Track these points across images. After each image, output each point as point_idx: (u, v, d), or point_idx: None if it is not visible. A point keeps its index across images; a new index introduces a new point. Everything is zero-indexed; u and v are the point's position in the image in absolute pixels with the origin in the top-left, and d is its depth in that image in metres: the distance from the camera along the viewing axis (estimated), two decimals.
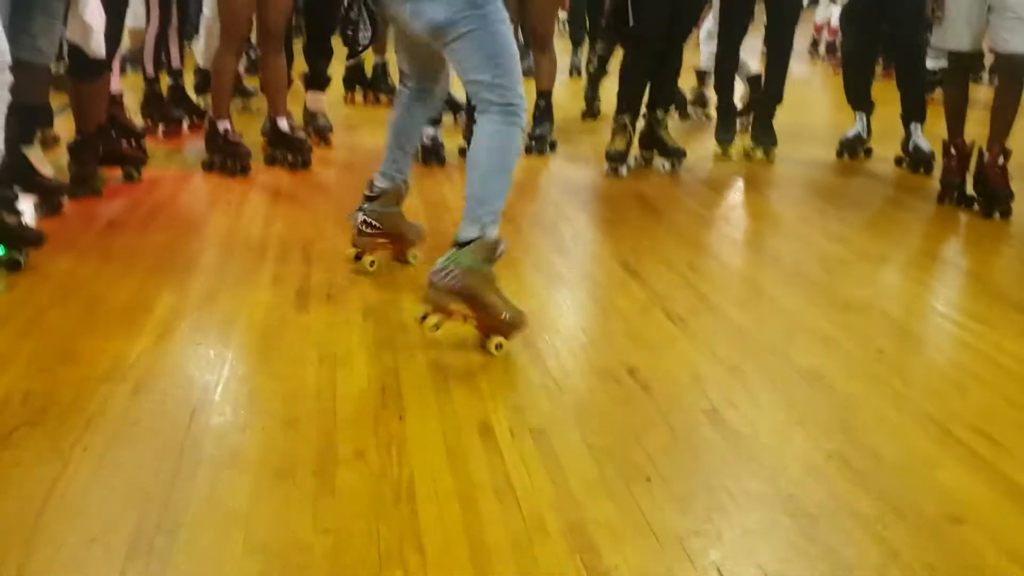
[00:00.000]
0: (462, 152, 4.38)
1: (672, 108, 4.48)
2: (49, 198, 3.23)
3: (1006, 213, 3.82)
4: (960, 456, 1.95)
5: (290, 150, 4.10)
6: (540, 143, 4.66)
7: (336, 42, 4.86)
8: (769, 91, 4.72)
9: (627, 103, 4.26)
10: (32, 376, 2.12)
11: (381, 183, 2.79)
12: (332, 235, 3.22)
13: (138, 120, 4.51)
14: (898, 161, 4.62)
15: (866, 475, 1.84)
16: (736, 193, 4.26)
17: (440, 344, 2.35)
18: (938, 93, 4.89)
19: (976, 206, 3.91)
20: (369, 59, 5.79)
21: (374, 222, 2.76)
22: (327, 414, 2.01)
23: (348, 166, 4.27)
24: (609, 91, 5.23)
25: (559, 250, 3.20)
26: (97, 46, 3.09)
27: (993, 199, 3.84)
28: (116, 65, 4.16)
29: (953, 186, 4.02)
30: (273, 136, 4.15)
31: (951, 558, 1.59)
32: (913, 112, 4.53)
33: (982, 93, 4.64)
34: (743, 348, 2.45)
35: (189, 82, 5.04)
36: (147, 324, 2.43)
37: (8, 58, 2.56)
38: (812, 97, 7.17)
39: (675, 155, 4.33)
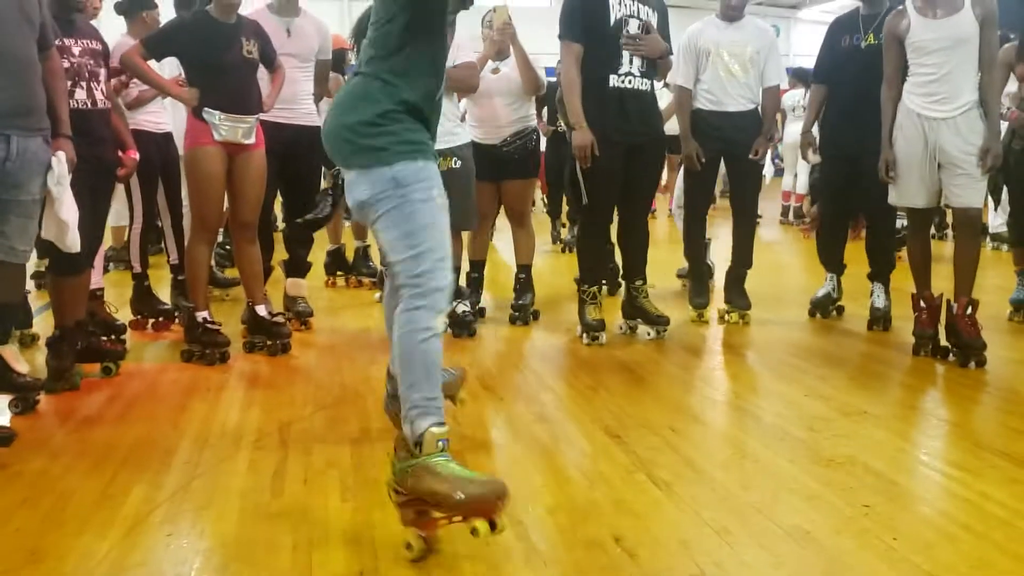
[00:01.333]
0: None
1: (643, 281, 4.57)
2: (24, 396, 3.22)
3: (981, 363, 3.87)
4: None
5: (269, 336, 4.14)
6: (523, 313, 4.74)
7: (323, 234, 5.03)
8: (738, 256, 4.85)
9: (587, 274, 4.39)
10: None
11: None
12: (309, 417, 3.20)
13: (125, 315, 4.56)
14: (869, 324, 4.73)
15: None
16: (715, 355, 4.29)
17: None
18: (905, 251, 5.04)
19: (951, 356, 3.96)
20: (350, 244, 5.95)
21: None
22: None
23: (329, 348, 4.30)
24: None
25: (541, 419, 3.19)
26: (72, 242, 3.17)
27: (967, 350, 3.90)
28: (99, 261, 4.25)
29: (926, 337, 4.08)
30: (252, 323, 4.20)
31: None
32: (878, 274, 4.67)
33: (945, 248, 4.78)
34: (729, 510, 2.41)
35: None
36: (117, 518, 2.38)
37: None
38: (784, 261, 7.36)
39: (658, 323, 4.40)
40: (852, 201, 4.78)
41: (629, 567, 2.09)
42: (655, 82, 4.33)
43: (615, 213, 4.49)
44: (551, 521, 2.36)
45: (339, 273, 5.99)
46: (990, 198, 7.05)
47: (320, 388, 3.60)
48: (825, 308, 4.89)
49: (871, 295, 4.66)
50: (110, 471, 2.71)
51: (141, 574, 2.10)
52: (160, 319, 4.68)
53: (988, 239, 7.35)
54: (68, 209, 3.10)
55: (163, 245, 5.09)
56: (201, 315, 3.98)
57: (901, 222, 5.16)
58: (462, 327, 4.42)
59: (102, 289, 4.30)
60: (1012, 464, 2.75)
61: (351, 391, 3.54)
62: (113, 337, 4.08)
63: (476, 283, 4.90)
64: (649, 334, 4.40)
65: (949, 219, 6.93)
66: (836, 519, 2.35)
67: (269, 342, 4.14)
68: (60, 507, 2.45)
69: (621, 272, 5.15)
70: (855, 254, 5.02)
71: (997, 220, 7.37)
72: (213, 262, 5.54)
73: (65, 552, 2.18)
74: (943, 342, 4.04)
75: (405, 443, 2.17)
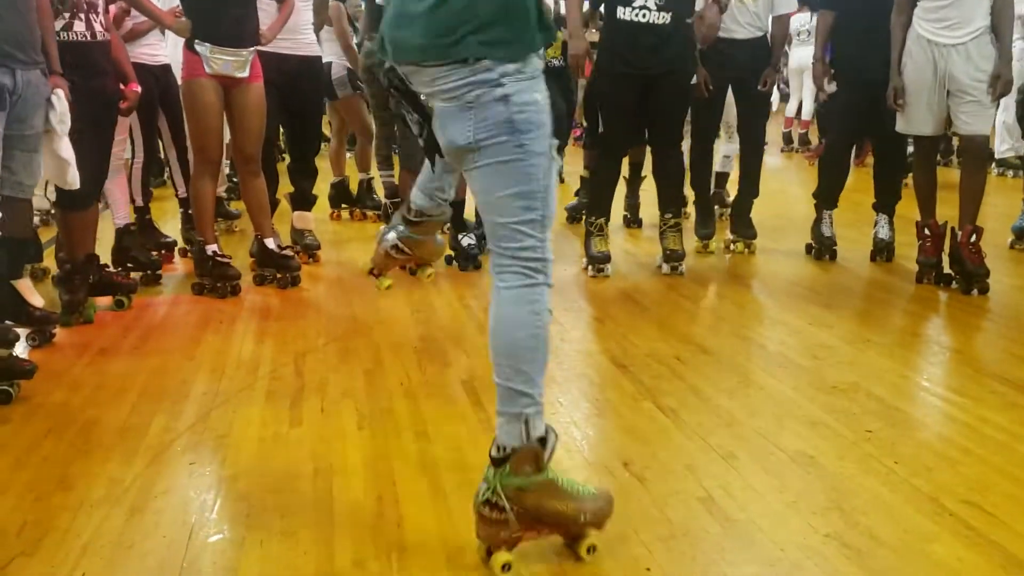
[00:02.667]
0: (448, 260, 4.47)
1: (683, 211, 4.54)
2: (40, 329, 3.27)
3: (984, 290, 3.91)
4: (954, 529, 1.96)
5: (279, 269, 4.18)
6: None
7: (320, 162, 5.02)
8: (745, 186, 4.85)
9: (595, 206, 4.40)
10: (28, 506, 2.12)
11: (421, 202, 2.19)
12: (323, 349, 3.26)
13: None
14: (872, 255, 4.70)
15: (863, 554, 1.85)
16: (720, 286, 4.33)
17: (435, 452, 2.37)
18: (911, 178, 5.03)
19: (954, 284, 4.01)
20: (355, 176, 5.94)
21: (406, 248, 2.28)
22: (324, 525, 2.01)
23: (337, 281, 4.34)
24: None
25: (550, 350, 3.23)
26: (72, 179, 3.19)
27: (970, 277, 3.93)
28: (124, 195, 4.29)
29: (930, 266, 4.12)
30: (261, 256, 4.23)
31: None
32: (882, 204, 4.64)
33: (951, 175, 4.79)
34: (734, 436, 2.48)
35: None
36: (140, 447, 2.45)
37: None
38: (788, 189, 7.35)
39: (672, 259, 4.34)
40: (865, 131, 4.74)
41: (638, 490, 2.16)
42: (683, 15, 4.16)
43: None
44: (561, 448, 2.39)
45: (344, 206, 5.99)
46: (1004, 125, 7.03)
47: (331, 320, 3.65)
48: (831, 248, 4.71)
49: (875, 225, 4.65)
50: (130, 402, 2.77)
51: (167, 501, 2.17)
52: (163, 252, 4.70)
53: (994, 165, 7.33)
54: (68, 147, 3.12)
55: (168, 178, 5.09)
56: (211, 248, 4.01)
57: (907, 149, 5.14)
58: (468, 260, 4.45)
59: (135, 224, 4.33)
60: (1012, 389, 2.81)
61: (362, 323, 3.60)
62: (149, 272, 4.20)
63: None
64: (662, 268, 4.38)
65: (955, 144, 6.91)
66: (839, 444, 2.42)
67: (279, 275, 4.17)
68: (84, 437, 2.52)
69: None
70: (860, 183, 5.02)
71: (1004, 146, 7.34)
72: (225, 193, 5.57)
73: (93, 479, 2.25)
74: (946, 270, 4.07)
75: (528, 455, 1.84)
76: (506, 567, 1.79)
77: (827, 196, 4.72)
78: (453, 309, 3.81)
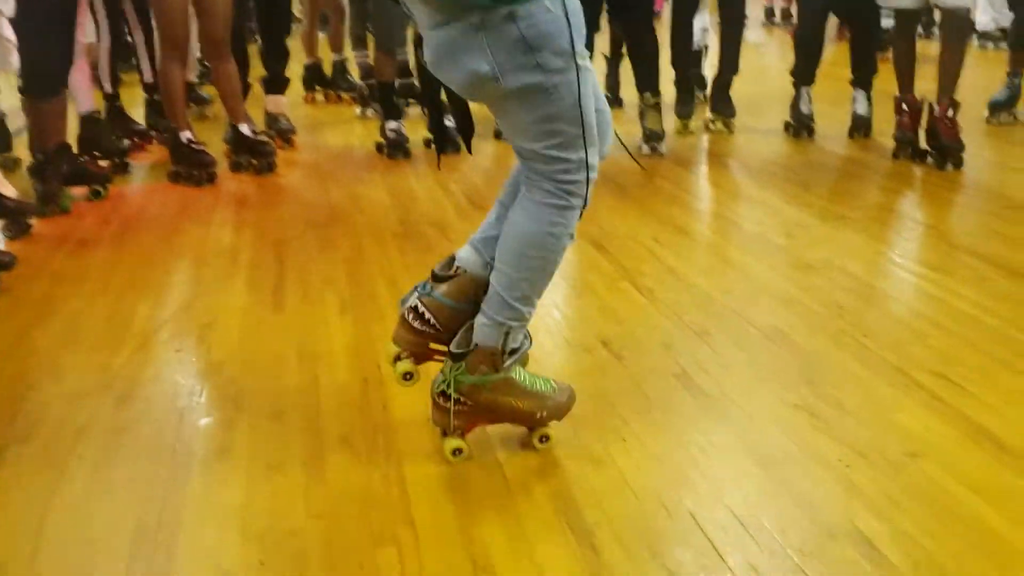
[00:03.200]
0: (427, 143, 4.44)
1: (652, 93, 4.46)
2: (16, 220, 3.26)
3: (958, 164, 3.94)
4: (921, 399, 2.04)
5: (254, 155, 4.14)
6: None
7: (292, 43, 4.91)
8: (724, 62, 4.79)
9: None
10: (20, 396, 2.16)
11: (461, 252, 1.89)
12: (301, 236, 3.27)
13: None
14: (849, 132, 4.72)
15: (830, 423, 1.93)
16: (699, 165, 4.34)
17: None
18: (890, 52, 4.98)
19: (930, 159, 4.03)
20: (328, 58, 5.82)
21: (427, 312, 1.86)
22: (311, 408, 2.07)
23: (314, 167, 4.32)
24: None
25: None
26: (15, 61, 3.13)
27: (945, 152, 3.95)
28: (88, 83, 4.18)
29: (906, 141, 4.13)
30: (236, 142, 4.19)
31: (912, 490, 1.68)
32: (861, 80, 4.60)
33: (931, 48, 4.74)
34: (709, 313, 2.54)
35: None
36: (127, 336, 2.48)
37: None
38: (769, 65, 7.26)
39: (651, 138, 4.33)
40: (840, 3, 4.65)
41: (615, 367, 2.23)
42: None
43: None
44: (541, 327, 2.47)
45: (317, 88, 5.89)
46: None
47: (309, 207, 3.65)
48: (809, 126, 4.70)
49: (853, 102, 4.63)
50: (113, 292, 2.79)
51: (156, 387, 2.22)
52: (135, 140, 4.63)
53: (976, 38, 7.25)
54: (9, 28, 3.05)
55: (135, 63, 4.97)
56: (184, 136, 3.96)
57: (887, 22, 5.07)
58: (447, 141, 4.41)
59: (99, 112, 4.24)
60: (983, 263, 2.86)
61: (340, 210, 3.60)
62: (117, 160, 4.09)
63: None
64: (642, 149, 4.33)
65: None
66: (811, 320, 2.48)
67: (254, 161, 4.14)
68: (70, 327, 2.55)
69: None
70: (841, 57, 4.97)
71: (985, 17, 7.24)
72: (196, 78, 5.44)
73: (82, 369, 2.29)
74: (923, 145, 4.09)
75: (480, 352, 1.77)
76: (456, 452, 1.80)
77: (803, 72, 4.66)
78: (434, 194, 3.81)
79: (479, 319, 1.78)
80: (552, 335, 2.44)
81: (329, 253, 3.09)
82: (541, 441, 1.86)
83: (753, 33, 8.05)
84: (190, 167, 3.97)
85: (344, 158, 4.46)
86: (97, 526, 1.66)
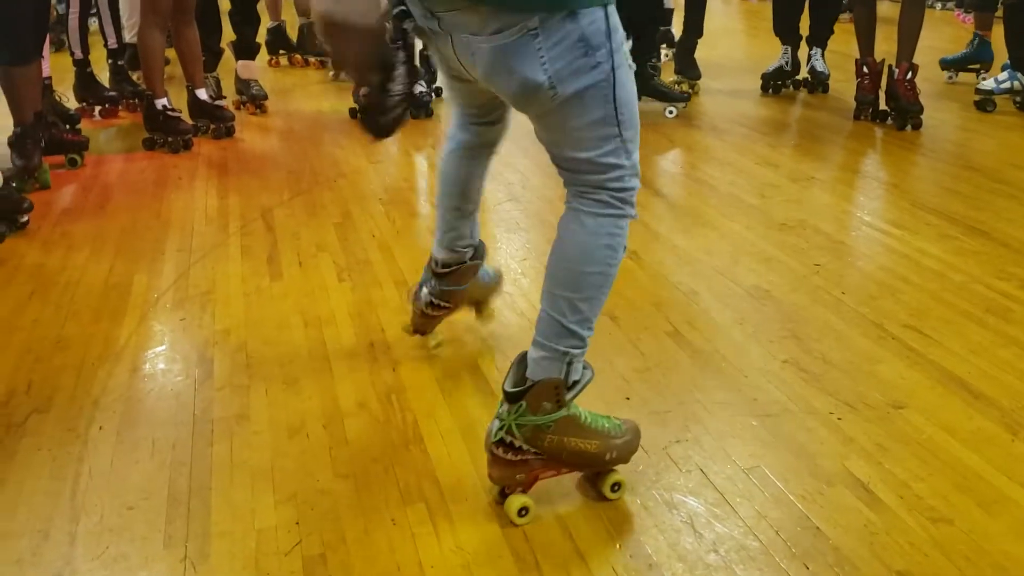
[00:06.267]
0: (352, 113, 4.44)
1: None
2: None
3: (917, 126, 4.10)
4: (897, 351, 2.18)
5: (212, 120, 4.16)
6: None
7: (262, 8, 4.88)
8: (688, 25, 4.87)
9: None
10: (30, 366, 2.20)
11: (443, 256, 2.11)
12: (288, 203, 3.31)
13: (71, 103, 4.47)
14: (803, 83, 4.88)
15: (818, 376, 2.06)
16: (668, 127, 4.42)
17: None
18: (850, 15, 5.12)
19: (889, 120, 4.18)
20: (292, 21, 5.78)
21: (441, 302, 2.14)
22: (323, 372, 2.14)
23: (288, 132, 4.33)
24: None
25: (512, 198, 3.34)
26: None
27: (905, 113, 4.11)
28: (46, 50, 4.12)
29: (867, 103, 4.27)
30: (194, 108, 4.18)
31: (898, 437, 1.83)
32: (817, 38, 4.78)
33: (887, 9, 4.88)
34: (694, 273, 2.65)
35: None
36: (128, 305, 2.52)
37: None
38: (729, 27, 7.37)
39: (680, 99, 4.45)
40: None
41: (610, 328, 2.33)
42: None
43: None
44: (534, 290, 2.57)
45: (282, 52, 5.85)
46: None
47: (292, 173, 3.67)
48: (776, 82, 4.88)
49: (809, 60, 4.80)
50: (106, 261, 2.82)
51: (166, 356, 2.27)
52: (106, 105, 4.59)
53: None
54: None
55: (100, 27, 4.90)
56: (160, 102, 3.94)
57: None
58: (419, 107, 4.45)
59: (50, 78, 4.18)
60: (945, 221, 3.02)
61: (323, 176, 3.63)
62: (68, 127, 4.04)
63: (430, 61, 4.86)
64: (671, 112, 4.40)
65: None
66: (790, 278, 2.61)
67: (212, 126, 4.15)
68: (69, 298, 2.58)
69: None
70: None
71: None
72: None
73: (88, 339, 2.33)
74: (882, 106, 4.23)
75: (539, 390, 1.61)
76: (523, 511, 1.61)
77: (780, 31, 4.85)
78: (412, 159, 3.86)
79: (533, 352, 1.62)
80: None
81: (318, 219, 3.14)
82: (613, 490, 1.67)
83: None
84: (166, 134, 3.96)
85: (319, 124, 4.48)
86: (131, 492, 1.73)
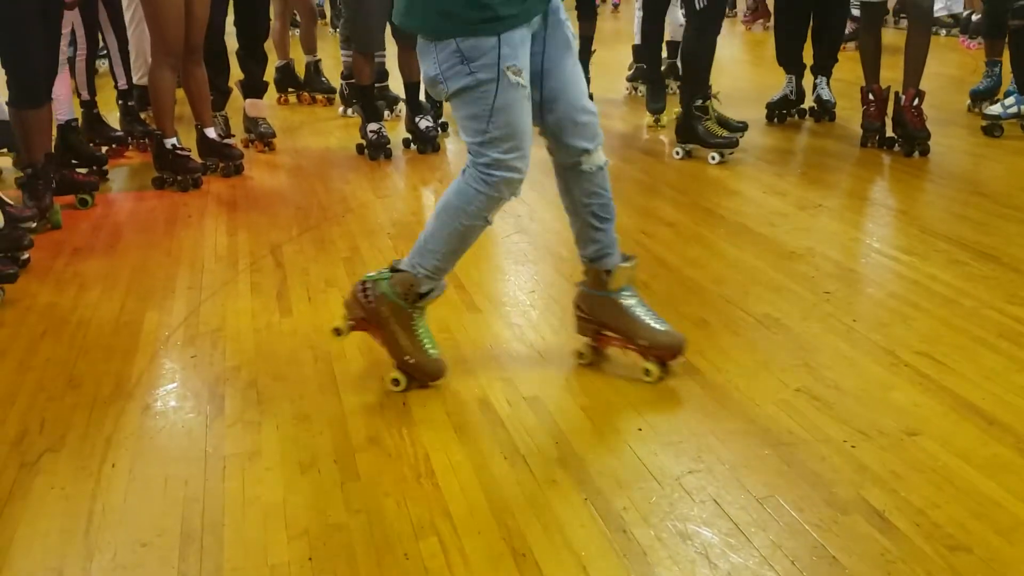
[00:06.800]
0: (406, 143, 4.51)
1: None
2: (16, 227, 3.27)
3: (925, 152, 4.10)
4: (910, 378, 2.17)
5: (221, 158, 4.20)
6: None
7: (269, 47, 4.94)
8: None
9: (702, 84, 4.24)
10: (42, 405, 2.21)
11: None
12: (297, 239, 3.33)
13: None
14: (809, 111, 4.90)
15: (831, 404, 2.05)
16: (674, 158, 4.44)
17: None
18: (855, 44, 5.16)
19: (897, 147, 4.18)
20: (300, 59, 5.85)
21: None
22: (334, 407, 2.14)
23: (297, 169, 4.36)
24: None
25: (520, 230, 3.35)
26: None
27: (912, 140, 4.11)
28: (68, 92, 4.18)
29: (873, 130, 4.28)
30: (203, 146, 4.23)
31: (913, 465, 1.81)
32: (822, 67, 4.80)
33: (892, 37, 4.91)
34: (704, 303, 2.65)
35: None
36: (139, 343, 2.53)
37: None
38: (734, 57, 7.42)
39: (723, 145, 4.17)
40: None
41: (620, 357, 2.31)
42: None
43: None
44: (543, 323, 2.58)
45: (291, 90, 5.92)
46: None
47: (300, 209, 3.70)
48: (781, 111, 4.88)
49: (815, 88, 4.82)
50: (117, 299, 2.83)
51: (177, 393, 2.28)
52: (113, 146, 4.64)
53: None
54: None
55: (109, 68, 4.97)
56: (169, 141, 3.99)
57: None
58: (426, 142, 4.48)
59: (76, 120, 4.24)
60: (954, 246, 3.01)
61: (331, 212, 3.65)
62: (95, 168, 4.10)
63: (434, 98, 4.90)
64: (714, 159, 4.15)
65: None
66: (801, 306, 2.60)
67: (221, 164, 4.20)
68: (81, 336, 2.59)
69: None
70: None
71: (938, 5, 7.46)
72: None
73: (100, 377, 2.34)
74: (889, 133, 4.24)
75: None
76: (337, 331, 2.25)
77: (784, 61, 4.87)
78: (419, 193, 3.89)
79: (410, 254, 2.19)
80: (555, 330, 2.53)
81: (327, 255, 3.15)
82: (393, 383, 2.18)
83: None
84: (175, 172, 4.00)
85: (326, 160, 4.52)
86: (144, 529, 1.73)
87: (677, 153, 4.25)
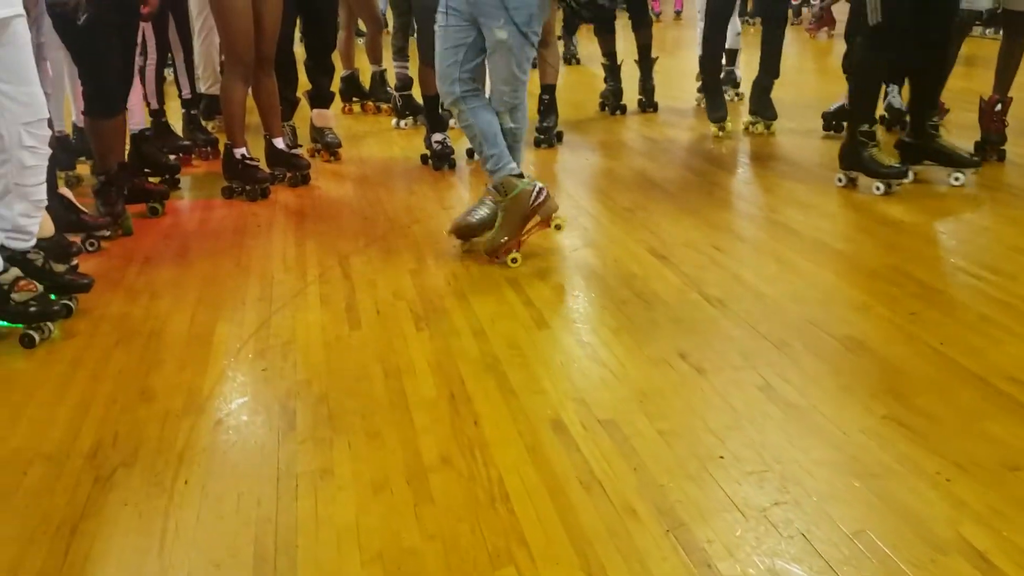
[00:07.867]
0: (471, 154, 4.49)
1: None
2: (92, 235, 3.33)
3: (1001, 158, 4.00)
4: (1005, 406, 2.07)
5: (289, 168, 4.22)
6: (547, 135, 4.76)
7: (335, 58, 4.96)
8: (765, 66, 4.81)
9: (868, 109, 3.91)
10: (116, 418, 2.21)
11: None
12: (364, 250, 3.31)
13: None
14: (880, 120, 4.73)
15: (922, 433, 1.96)
16: (744, 169, 4.37)
17: (495, 351, 2.45)
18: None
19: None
20: (366, 69, 5.87)
21: None
22: (405, 425, 2.11)
23: (363, 179, 4.36)
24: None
25: (587, 243, 3.30)
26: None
27: (991, 146, 4.01)
28: (141, 103, 4.24)
29: (992, 142, 4.09)
30: (271, 156, 4.25)
31: (1015, 502, 1.71)
32: (921, 113, 4.57)
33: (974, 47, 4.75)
34: (783, 323, 2.56)
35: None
36: (210, 355, 2.53)
37: (47, 113, 2.66)
38: (799, 66, 7.28)
39: (970, 164, 3.81)
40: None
41: (699, 381, 2.26)
42: None
43: None
44: (616, 341, 2.51)
45: (355, 99, 5.94)
46: None
47: (367, 220, 3.69)
48: (837, 121, 4.69)
49: (885, 96, 4.66)
50: (188, 310, 2.84)
51: (249, 408, 2.26)
52: (180, 155, 4.69)
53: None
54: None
55: (175, 78, 5.04)
56: (239, 152, 4.02)
57: None
58: (441, 160, 4.42)
59: (150, 130, 4.29)
60: None
61: (397, 223, 3.64)
62: (168, 176, 4.14)
63: (550, 105, 4.82)
64: (956, 180, 3.81)
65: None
66: (886, 327, 2.51)
67: (289, 174, 4.22)
68: (153, 348, 2.60)
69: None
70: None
71: None
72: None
73: (172, 390, 2.34)
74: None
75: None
76: (514, 260, 3.03)
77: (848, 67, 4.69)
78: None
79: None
80: (628, 349, 2.47)
81: (394, 266, 3.13)
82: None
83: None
84: (244, 182, 4.02)
85: (391, 170, 4.51)
86: (218, 549, 1.71)
87: (840, 180, 3.86)
